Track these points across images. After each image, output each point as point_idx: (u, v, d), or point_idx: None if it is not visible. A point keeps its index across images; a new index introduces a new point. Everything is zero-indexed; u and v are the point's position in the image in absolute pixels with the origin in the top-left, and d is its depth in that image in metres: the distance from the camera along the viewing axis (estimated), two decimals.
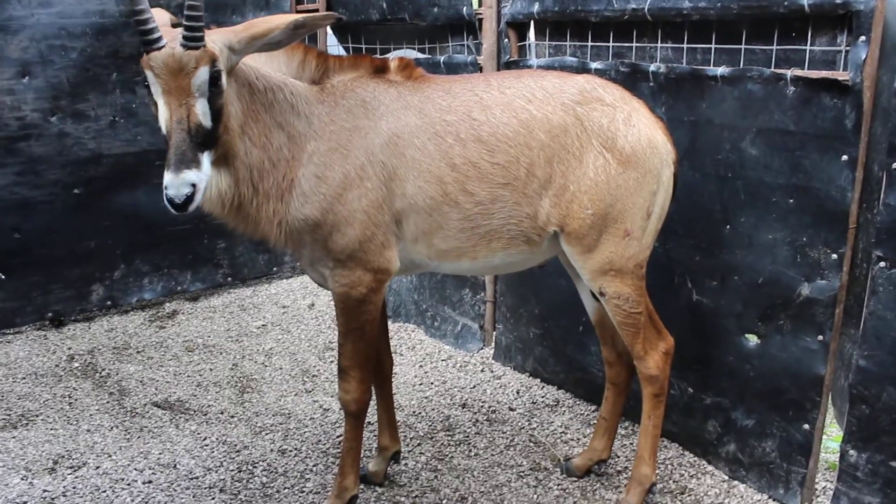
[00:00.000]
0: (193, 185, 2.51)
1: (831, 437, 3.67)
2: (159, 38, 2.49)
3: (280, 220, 2.89)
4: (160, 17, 2.81)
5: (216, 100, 2.59)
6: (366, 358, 3.11)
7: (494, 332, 4.89)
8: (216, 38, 2.60)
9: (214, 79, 2.56)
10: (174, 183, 2.49)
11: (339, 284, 2.96)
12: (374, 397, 3.41)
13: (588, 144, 2.95)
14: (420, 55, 5.19)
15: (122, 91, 5.26)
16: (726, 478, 3.60)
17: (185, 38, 2.49)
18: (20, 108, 4.89)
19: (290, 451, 3.86)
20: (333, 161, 2.85)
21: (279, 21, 2.65)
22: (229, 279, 6.09)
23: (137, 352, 4.99)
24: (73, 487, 3.53)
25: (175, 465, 3.72)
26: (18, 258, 5.06)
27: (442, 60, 4.74)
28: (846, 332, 3.32)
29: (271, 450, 3.86)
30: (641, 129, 2.98)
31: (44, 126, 5.00)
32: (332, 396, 4.41)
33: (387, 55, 5.23)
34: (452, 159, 2.92)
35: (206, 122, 2.58)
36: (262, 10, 5.75)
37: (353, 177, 2.85)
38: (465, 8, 4.63)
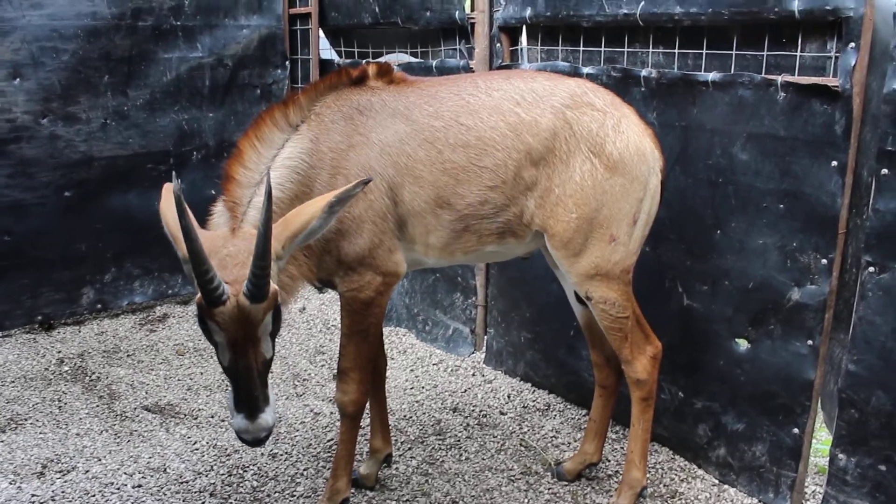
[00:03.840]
0: (271, 428, 2.54)
1: (821, 442, 3.68)
2: (223, 294, 2.37)
3: (309, 257, 2.93)
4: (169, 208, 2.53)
5: (277, 331, 2.57)
6: (367, 360, 3.12)
7: (486, 337, 4.90)
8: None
9: (277, 313, 2.52)
10: (252, 430, 2.50)
11: (349, 288, 2.98)
12: None
13: (576, 149, 2.96)
14: (413, 59, 5.20)
15: (113, 94, 5.24)
16: (716, 482, 3.61)
17: (252, 293, 2.37)
18: (11, 111, 4.86)
19: (281, 454, 3.85)
20: (337, 184, 2.85)
21: (313, 209, 2.56)
22: None
23: (128, 355, 4.97)
24: (62, 492, 3.51)
25: (165, 469, 3.71)
26: (8, 261, 5.03)
27: (434, 65, 4.75)
28: (836, 337, 3.33)
29: (262, 454, 3.85)
30: (630, 136, 2.99)
31: (35, 128, 4.98)
32: (322, 400, 4.41)
33: (378, 59, 5.24)
34: (443, 164, 2.93)
35: (270, 353, 2.55)
36: (254, 13, 5.74)
37: (358, 193, 2.86)
38: (457, 12, 4.64)
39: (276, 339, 2.62)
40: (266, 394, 2.54)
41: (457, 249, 3.10)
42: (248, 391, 2.49)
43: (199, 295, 2.39)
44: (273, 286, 2.45)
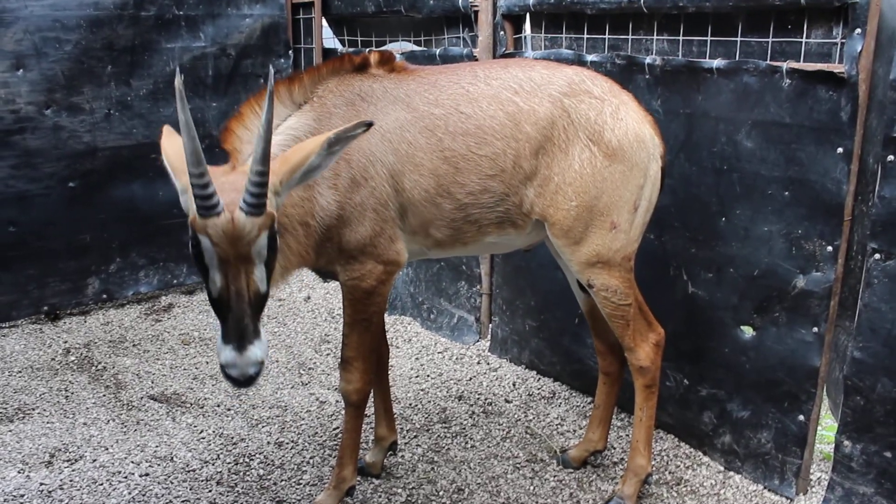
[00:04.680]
0: (260, 363, 2.38)
1: (826, 428, 3.69)
2: (218, 203, 2.29)
3: (312, 246, 2.92)
4: (173, 144, 2.56)
5: (272, 259, 2.46)
6: (370, 349, 3.12)
7: (490, 325, 4.90)
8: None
9: (272, 241, 2.41)
10: (239, 363, 2.34)
11: (350, 277, 2.97)
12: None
13: (574, 137, 2.96)
14: (416, 48, 5.19)
15: (117, 84, 5.24)
16: (722, 469, 3.62)
17: (248, 204, 2.30)
18: (15, 101, 4.86)
19: (287, 443, 3.86)
20: (339, 169, 2.84)
21: (312, 145, 2.50)
22: None
23: (133, 345, 4.98)
24: (70, 480, 3.54)
25: (172, 458, 3.73)
26: (14, 251, 5.04)
27: (438, 53, 4.73)
28: (841, 324, 3.33)
29: (268, 442, 3.87)
30: (629, 123, 2.99)
31: (39, 119, 4.98)
32: (328, 389, 4.42)
33: (382, 48, 5.23)
34: (443, 152, 2.93)
35: (264, 287, 2.43)
36: (257, 2, 5.71)
37: (359, 178, 2.86)
38: (460, 0, 4.62)
39: (273, 293, 2.50)
40: (257, 328, 2.40)
41: (457, 240, 3.10)
42: (238, 320, 2.35)
43: (192, 213, 2.31)
44: (270, 208, 2.38)
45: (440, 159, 2.93)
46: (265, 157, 2.26)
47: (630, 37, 3.80)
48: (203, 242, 2.32)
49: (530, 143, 2.96)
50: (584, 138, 2.96)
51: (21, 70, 4.86)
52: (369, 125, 2.52)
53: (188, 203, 2.38)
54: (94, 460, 3.70)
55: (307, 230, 2.87)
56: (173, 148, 2.49)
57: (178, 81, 2.16)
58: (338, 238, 2.90)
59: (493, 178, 2.96)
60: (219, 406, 4.22)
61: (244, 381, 2.37)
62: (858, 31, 2.88)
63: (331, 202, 2.84)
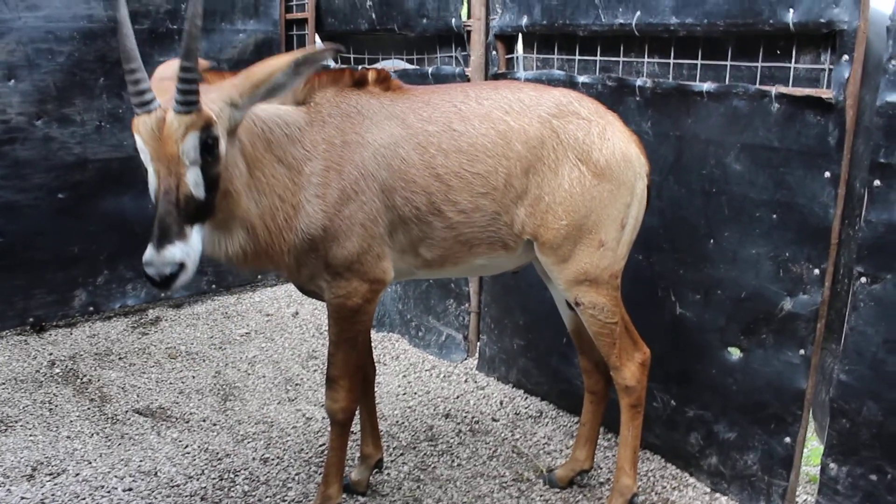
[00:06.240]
0: (180, 264, 2.34)
1: (812, 451, 3.70)
2: (151, 100, 2.32)
3: (290, 248, 2.86)
4: (170, 70, 2.64)
5: (211, 168, 2.42)
6: (355, 367, 3.11)
7: (478, 343, 4.90)
8: (214, 98, 2.45)
9: (209, 145, 2.38)
10: (156, 261, 2.31)
11: (336, 295, 2.96)
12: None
13: (564, 157, 2.99)
14: (408, 66, 5.21)
15: (108, 96, 5.24)
16: (708, 490, 3.62)
17: (176, 101, 2.31)
18: (5, 112, 4.85)
19: (273, 459, 3.84)
20: (330, 179, 2.84)
21: (278, 62, 2.51)
22: (213, 286, 6.07)
23: (119, 358, 4.95)
24: (52, 494, 3.50)
25: (156, 473, 3.69)
26: (0, 262, 5.01)
27: (430, 71, 4.76)
28: (827, 347, 3.35)
29: (253, 458, 3.84)
30: (616, 143, 3.02)
31: (29, 130, 4.97)
32: (315, 405, 4.40)
33: (373, 66, 5.25)
34: (435, 169, 2.94)
35: (199, 192, 2.40)
36: (250, 18, 5.75)
37: (350, 191, 2.85)
38: (453, 19, 4.66)
39: (223, 191, 2.49)
40: (184, 232, 2.36)
41: (447, 260, 3.10)
42: (162, 219, 2.33)
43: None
44: (206, 109, 2.37)
45: (432, 176, 2.94)
46: (190, 53, 2.29)
47: (621, 59, 3.83)
48: (137, 142, 2.37)
49: (521, 161, 2.98)
50: (573, 158, 2.99)
51: (13, 81, 4.86)
52: (338, 50, 2.55)
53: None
54: (77, 474, 3.66)
55: (269, 188, 2.76)
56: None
57: None
58: (325, 252, 2.89)
59: (484, 196, 2.97)
60: (204, 421, 4.20)
61: (161, 282, 2.34)
62: (846, 57, 2.91)
63: (317, 211, 2.82)
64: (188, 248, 2.37)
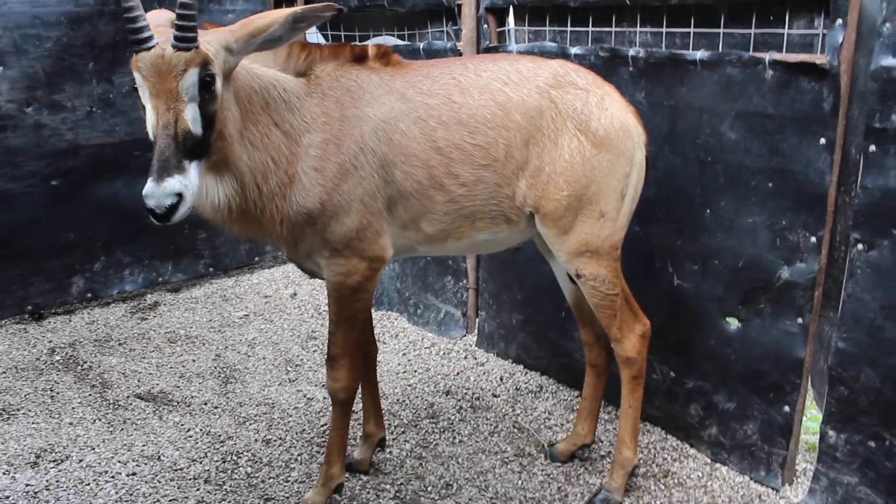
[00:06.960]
0: (178, 195, 2.36)
1: (811, 419, 3.71)
2: (149, 38, 2.37)
3: (283, 218, 2.86)
4: (162, 17, 2.72)
5: (208, 105, 2.47)
6: (356, 346, 3.12)
7: (477, 319, 4.90)
8: (211, 39, 2.48)
9: (206, 83, 2.44)
10: (156, 193, 2.33)
11: (335, 273, 2.95)
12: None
13: (563, 127, 2.97)
14: (399, 42, 5.16)
15: (98, 81, 5.19)
16: (709, 460, 3.63)
17: (175, 38, 2.36)
18: None
19: (275, 440, 3.85)
20: (328, 152, 2.83)
21: (277, 15, 2.53)
22: (211, 269, 6.06)
23: (119, 344, 4.96)
24: (57, 481, 3.51)
25: (159, 457, 3.71)
26: None
27: (421, 47, 4.71)
28: (825, 315, 3.35)
29: (255, 440, 3.86)
30: (614, 113, 3.01)
31: (19, 117, 4.93)
32: (315, 386, 4.41)
33: (366, 42, 5.20)
34: (436, 142, 2.92)
35: (196, 128, 2.45)
36: None
37: (349, 166, 2.84)
38: None
39: (218, 131, 2.54)
40: (183, 165, 2.39)
41: (449, 235, 3.09)
42: (160, 152, 2.37)
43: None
44: (204, 48, 2.42)
45: (433, 150, 2.92)
46: None
47: (613, 29, 3.80)
48: (137, 79, 2.41)
49: (521, 132, 2.96)
50: (572, 128, 2.97)
51: (1, 67, 4.81)
52: (339, 10, 2.60)
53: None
54: (81, 460, 3.68)
55: (262, 144, 2.78)
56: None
57: None
58: (323, 228, 2.88)
59: (485, 167, 2.96)
60: (206, 404, 4.21)
61: (161, 215, 2.37)
62: (840, 21, 2.88)
63: (314, 184, 2.81)
64: (186, 180, 2.41)
